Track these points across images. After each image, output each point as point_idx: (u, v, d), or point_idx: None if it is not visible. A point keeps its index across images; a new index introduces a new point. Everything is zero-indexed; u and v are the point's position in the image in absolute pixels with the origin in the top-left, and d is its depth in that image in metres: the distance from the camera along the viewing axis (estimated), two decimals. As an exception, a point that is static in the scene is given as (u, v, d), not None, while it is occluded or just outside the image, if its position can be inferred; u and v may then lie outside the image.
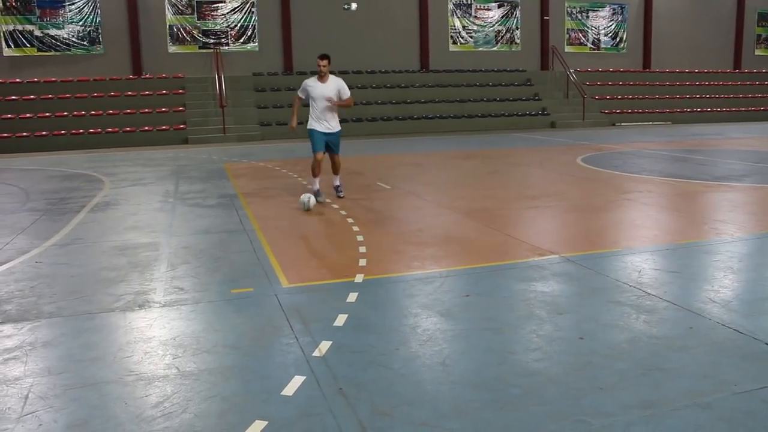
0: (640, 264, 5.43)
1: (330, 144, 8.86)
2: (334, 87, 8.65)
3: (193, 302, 4.67)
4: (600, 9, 29.29)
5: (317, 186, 8.82)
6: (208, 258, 5.94)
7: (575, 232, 6.97)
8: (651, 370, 3.36)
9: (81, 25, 22.70)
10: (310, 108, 8.70)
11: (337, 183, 9.27)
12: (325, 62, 8.61)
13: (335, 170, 9.13)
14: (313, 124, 8.70)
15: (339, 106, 8.75)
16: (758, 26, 32.19)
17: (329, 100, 8.54)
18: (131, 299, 4.77)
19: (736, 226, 6.81)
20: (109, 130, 20.65)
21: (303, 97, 8.85)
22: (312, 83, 8.69)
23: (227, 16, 24.16)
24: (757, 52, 32.43)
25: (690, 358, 3.50)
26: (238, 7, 24.23)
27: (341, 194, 9.15)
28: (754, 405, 2.97)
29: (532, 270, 5.29)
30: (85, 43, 22.80)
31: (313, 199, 8.35)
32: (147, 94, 22.14)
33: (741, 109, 28.77)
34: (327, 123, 8.70)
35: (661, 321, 4.08)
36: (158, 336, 4.02)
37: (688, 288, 4.78)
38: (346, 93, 8.73)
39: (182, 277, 5.34)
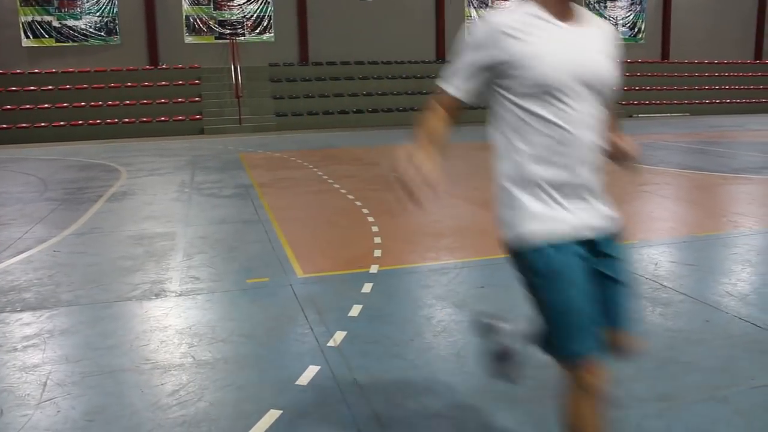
0: (657, 256, 5.38)
1: (612, 281, 2.07)
2: (600, 42, 2.02)
3: (209, 292, 4.70)
4: (618, -1, 28.98)
5: None
6: (223, 248, 5.97)
7: (591, 224, 6.92)
8: (667, 363, 3.34)
9: (98, 16, 22.84)
10: (514, 137, 2.01)
11: None
12: None
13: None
14: (541, 208, 1.99)
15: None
16: (780, 16, 31.74)
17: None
18: (148, 288, 4.81)
19: (755, 219, 6.73)
20: (126, 120, 20.79)
21: (469, 94, 2.06)
22: (530, 26, 1.93)
23: (243, 7, 24.19)
24: (778, 43, 31.97)
25: (706, 351, 3.48)
26: (254, -3, 24.27)
27: None
28: (771, 399, 2.94)
29: (547, 262, 5.25)
30: (102, 33, 22.93)
31: None
32: (163, 85, 22.24)
33: (761, 100, 28.37)
34: (590, 196, 2.06)
35: (678, 314, 4.05)
36: (174, 325, 4.05)
37: (705, 281, 4.74)
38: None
39: (198, 266, 5.37)
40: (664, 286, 4.57)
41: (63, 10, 22.48)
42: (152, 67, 23.01)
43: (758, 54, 31.26)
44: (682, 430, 2.70)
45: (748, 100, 28.19)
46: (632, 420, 2.77)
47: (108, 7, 22.84)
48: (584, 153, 1.98)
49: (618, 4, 29.00)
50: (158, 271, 5.27)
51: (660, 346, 3.54)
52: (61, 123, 20.26)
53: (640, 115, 25.51)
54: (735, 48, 30.75)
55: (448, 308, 4.23)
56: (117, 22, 22.98)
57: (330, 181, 9.88)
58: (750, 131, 18.35)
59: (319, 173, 10.69)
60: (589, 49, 1.97)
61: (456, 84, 2.05)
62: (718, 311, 4.07)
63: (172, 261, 5.56)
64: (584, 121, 1.95)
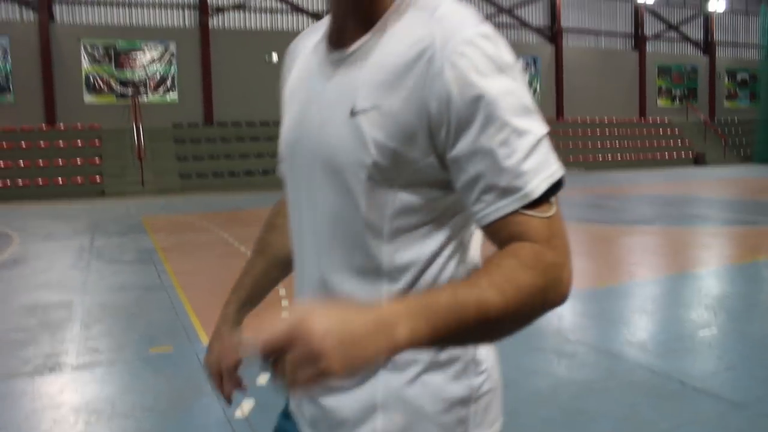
0: (560, 309, 5.54)
1: None
2: (365, 85, 0.93)
3: (109, 363, 4.47)
4: (514, 61, 30.52)
5: None
6: (124, 316, 5.71)
7: (497, 278, 7.09)
8: (573, 414, 3.41)
9: (-11, 74, 21.94)
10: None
11: None
12: None
13: None
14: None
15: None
16: (658, 79, 34.35)
17: None
18: (41, 362, 4.51)
19: (649, 268, 7.09)
20: (20, 182, 19.85)
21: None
22: (299, 51, 1.15)
23: (146, 67, 23.87)
24: (660, 103, 34.48)
25: (611, 399, 3.58)
26: (157, 57, 23.99)
27: None
28: (672, 446, 3.05)
29: (456, 318, 5.32)
30: (-6, 92, 22.01)
31: None
32: (61, 146, 21.46)
33: (648, 156, 30.32)
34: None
35: (582, 365, 4.16)
36: (70, 401, 3.81)
37: (607, 331, 4.92)
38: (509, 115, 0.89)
39: (97, 337, 5.10)
40: (569, 339, 4.70)
41: (-49, 69, 21.49)
42: (49, 127, 22.20)
43: (642, 113, 33.57)
44: (591, 483, 2.75)
45: (636, 156, 30.05)
46: (543, 475, 2.80)
47: (1, 64, 21.99)
48: (306, 285, 1.07)
49: (514, 66, 30.52)
50: (53, 343, 4.97)
51: (566, 398, 3.62)
52: (-53, 187, 19.14)
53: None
54: (621, 107, 32.91)
55: (359, 370, 4.18)
56: (11, 79, 22.12)
57: (236, 244, 9.71)
58: (640, 185, 19.49)
59: (225, 236, 10.50)
60: (328, 99, 0.98)
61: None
62: (620, 360, 4.22)
63: (68, 332, 5.26)
64: (308, 227, 1.04)
